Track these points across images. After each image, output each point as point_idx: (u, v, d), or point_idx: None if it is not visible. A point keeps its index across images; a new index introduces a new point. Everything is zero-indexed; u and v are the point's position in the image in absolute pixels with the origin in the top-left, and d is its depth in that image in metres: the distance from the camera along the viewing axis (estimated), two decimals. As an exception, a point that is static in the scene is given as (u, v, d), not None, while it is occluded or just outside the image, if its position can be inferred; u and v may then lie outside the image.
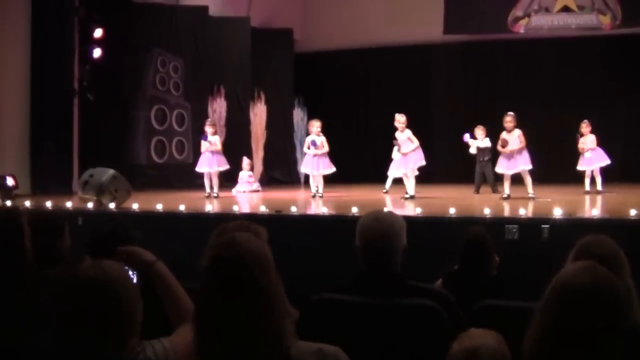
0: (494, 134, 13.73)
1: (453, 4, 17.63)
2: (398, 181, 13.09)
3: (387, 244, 3.46)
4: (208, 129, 13.16)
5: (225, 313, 2.17)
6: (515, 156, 11.62)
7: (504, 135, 11.80)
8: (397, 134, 12.35)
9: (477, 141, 13.62)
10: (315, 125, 13.21)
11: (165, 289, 2.80)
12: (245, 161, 15.27)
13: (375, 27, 17.90)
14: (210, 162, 13.03)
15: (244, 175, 15.11)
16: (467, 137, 13.63)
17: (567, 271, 2.34)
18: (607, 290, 2.25)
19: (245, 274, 2.19)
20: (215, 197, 12.83)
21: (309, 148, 13.20)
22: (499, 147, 11.81)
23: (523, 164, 11.61)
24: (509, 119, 11.79)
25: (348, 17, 18.15)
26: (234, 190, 14.79)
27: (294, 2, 19.24)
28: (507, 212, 9.28)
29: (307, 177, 14.64)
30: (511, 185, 11.80)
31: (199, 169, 13.26)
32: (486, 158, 13.52)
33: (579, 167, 13.00)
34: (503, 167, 11.79)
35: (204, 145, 13.09)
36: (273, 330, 2.18)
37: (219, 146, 13.18)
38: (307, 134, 13.62)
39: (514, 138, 11.68)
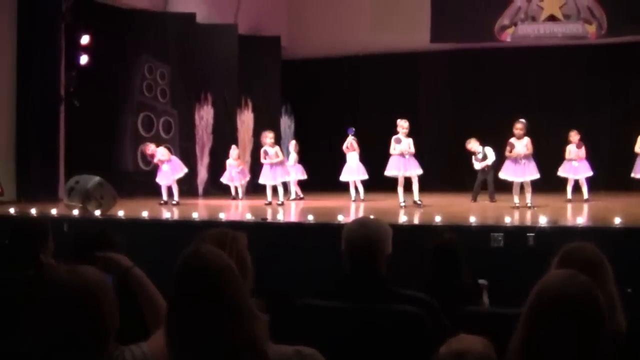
0: (485, 142, 13.76)
1: (439, 13, 17.71)
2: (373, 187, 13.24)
3: (371, 250, 3.45)
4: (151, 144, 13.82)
5: (194, 321, 2.21)
6: (524, 164, 11.64)
7: (512, 140, 11.81)
8: (400, 137, 12.43)
9: (476, 164, 13.71)
10: (269, 137, 13.70)
11: (142, 293, 2.81)
12: (234, 150, 15.13)
13: (362, 34, 17.93)
14: (165, 174, 13.53)
15: (232, 164, 14.92)
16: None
17: (548, 280, 2.35)
18: (589, 299, 2.26)
19: (211, 283, 2.24)
20: (175, 204, 13.21)
21: (264, 158, 13.59)
22: (507, 153, 11.82)
23: (531, 173, 11.65)
24: (519, 126, 11.74)
25: (335, 24, 18.18)
26: (222, 178, 15.01)
27: (282, 9, 19.25)
28: (492, 219, 9.29)
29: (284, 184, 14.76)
30: (497, 192, 11.78)
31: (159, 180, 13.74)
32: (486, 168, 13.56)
33: (562, 174, 13.15)
34: (510, 173, 11.78)
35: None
36: (244, 335, 2.22)
37: (166, 157, 13.66)
38: (261, 145, 13.86)
39: (522, 145, 11.69)
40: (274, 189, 13.60)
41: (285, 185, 14.37)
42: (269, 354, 2.27)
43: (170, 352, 2.26)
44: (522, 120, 11.88)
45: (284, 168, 13.76)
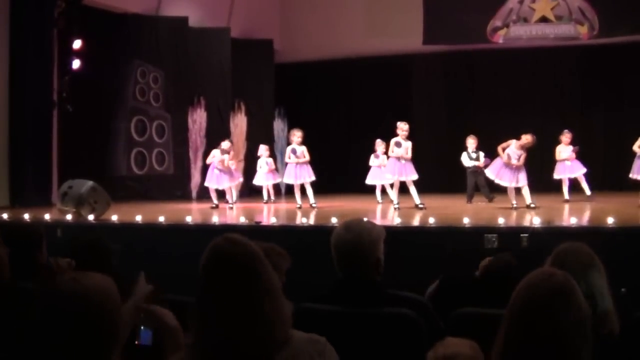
0: (479, 142, 13.78)
1: (432, 15, 17.73)
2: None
3: (358, 254, 3.44)
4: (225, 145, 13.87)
5: (231, 306, 2.24)
6: (515, 169, 11.62)
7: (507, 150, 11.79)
8: (400, 141, 12.35)
9: (466, 159, 13.68)
10: (297, 135, 13.28)
11: (173, 348, 2.73)
12: (231, 152, 15.15)
13: (355, 37, 17.95)
14: (218, 179, 13.74)
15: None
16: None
17: (524, 281, 2.34)
18: (561, 296, 2.25)
19: (248, 269, 2.29)
20: (230, 208, 13.50)
21: (289, 157, 13.27)
22: (505, 160, 11.78)
23: (523, 178, 11.63)
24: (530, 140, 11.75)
25: (328, 27, 18.19)
26: None
27: (275, 12, 19.27)
28: (486, 221, 9.31)
29: (289, 187, 14.68)
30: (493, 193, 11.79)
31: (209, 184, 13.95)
32: (477, 169, 13.51)
33: (557, 176, 13.19)
34: (505, 180, 11.70)
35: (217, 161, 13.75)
36: (277, 317, 2.28)
37: (234, 166, 14.07)
38: (288, 143, 13.72)
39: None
40: (302, 191, 13.31)
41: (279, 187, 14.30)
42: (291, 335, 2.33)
43: (197, 338, 2.28)
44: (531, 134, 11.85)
45: (309, 168, 13.31)
